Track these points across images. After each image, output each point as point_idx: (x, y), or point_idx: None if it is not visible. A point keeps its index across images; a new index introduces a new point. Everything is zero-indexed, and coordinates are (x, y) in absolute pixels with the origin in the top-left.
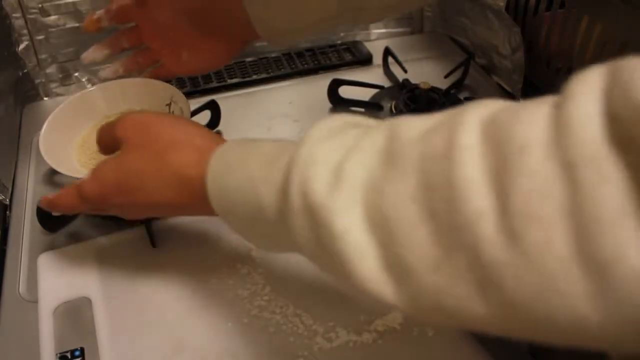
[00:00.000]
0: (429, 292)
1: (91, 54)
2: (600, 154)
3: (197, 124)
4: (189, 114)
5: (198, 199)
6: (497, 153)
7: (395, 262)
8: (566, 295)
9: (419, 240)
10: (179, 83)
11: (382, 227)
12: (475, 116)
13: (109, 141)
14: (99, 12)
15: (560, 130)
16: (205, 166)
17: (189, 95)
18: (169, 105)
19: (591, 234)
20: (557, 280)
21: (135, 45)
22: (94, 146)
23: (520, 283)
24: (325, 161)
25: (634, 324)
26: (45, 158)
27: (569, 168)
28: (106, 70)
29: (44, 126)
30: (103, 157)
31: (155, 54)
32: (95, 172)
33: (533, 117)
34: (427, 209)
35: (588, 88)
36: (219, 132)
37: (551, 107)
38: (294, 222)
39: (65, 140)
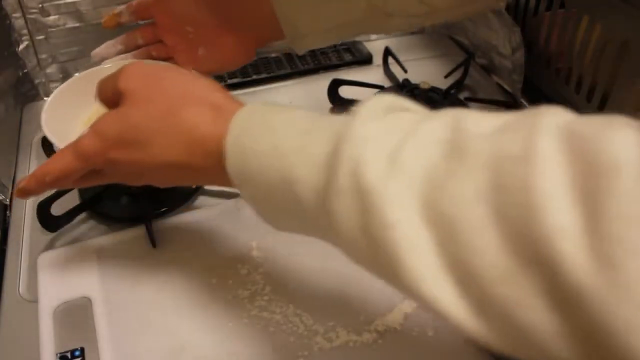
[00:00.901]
0: (497, 301)
1: (103, 49)
2: None
3: (211, 80)
4: None
5: (212, 162)
6: (582, 168)
7: (456, 266)
8: None
9: (486, 246)
10: None
11: (441, 225)
12: (552, 121)
13: (110, 94)
14: (120, 8)
15: None
16: (224, 126)
17: None
18: None
19: None
20: None
21: (150, 41)
22: None
23: (611, 312)
24: (379, 143)
25: None
26: (48, 134)
27: None
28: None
29: (49, 100)
30: None
31: (170, 50)
32: (96, 125)
33: (624, 137)
34: (497, 212)
35: None
36: None
37: (637, 129)
38: (338, 203)
39: (70, 118)
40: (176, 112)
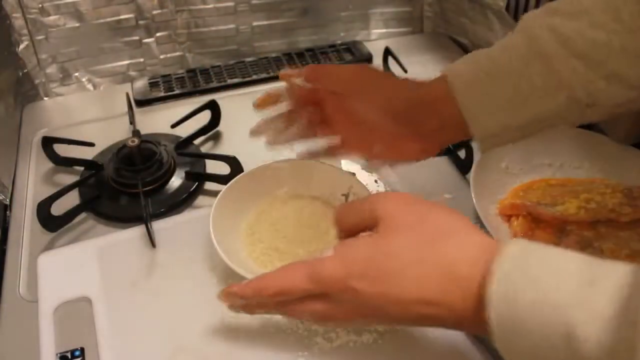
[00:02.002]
0: None
1: (262, 126)
2: None
3: (463, 215)
4: None
5: (468, 304)
6: None
7: None
8: None
9: None
10: (178, 81)
11: None
12: None
13: (360, 221)
14: (278, 89)
15: None
16: (489, 267)
17: (189, 95)
18: (345, 195)
19: None
20: None
21: (316, 123)
22: (263, 236)
23: None
24: None
25: None
26: (221, 253)
27: None
28: (281, 137)
29: (214, 205)
30: (276, 254)
31: (340, 141)
32: (342, 251)
33: None
34: None
35: None
36: (218, 132)
37: None
38: None
39: (232, 227)
40: (437, 244)
